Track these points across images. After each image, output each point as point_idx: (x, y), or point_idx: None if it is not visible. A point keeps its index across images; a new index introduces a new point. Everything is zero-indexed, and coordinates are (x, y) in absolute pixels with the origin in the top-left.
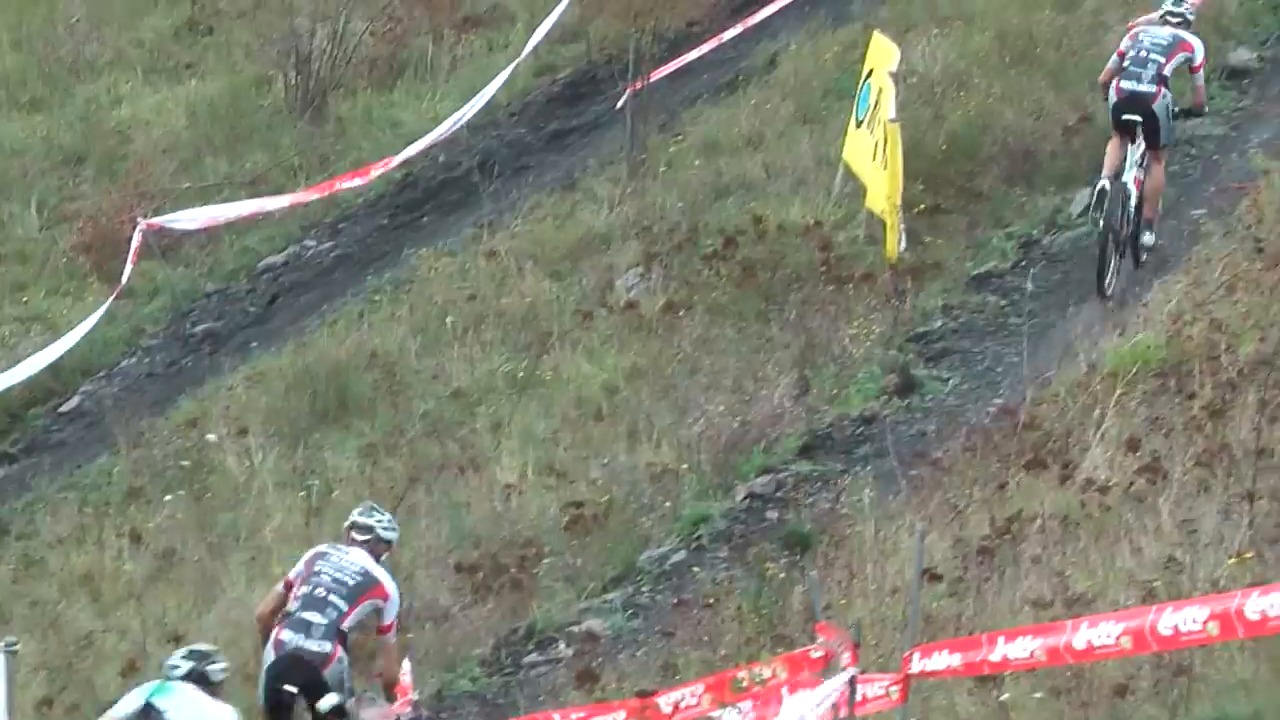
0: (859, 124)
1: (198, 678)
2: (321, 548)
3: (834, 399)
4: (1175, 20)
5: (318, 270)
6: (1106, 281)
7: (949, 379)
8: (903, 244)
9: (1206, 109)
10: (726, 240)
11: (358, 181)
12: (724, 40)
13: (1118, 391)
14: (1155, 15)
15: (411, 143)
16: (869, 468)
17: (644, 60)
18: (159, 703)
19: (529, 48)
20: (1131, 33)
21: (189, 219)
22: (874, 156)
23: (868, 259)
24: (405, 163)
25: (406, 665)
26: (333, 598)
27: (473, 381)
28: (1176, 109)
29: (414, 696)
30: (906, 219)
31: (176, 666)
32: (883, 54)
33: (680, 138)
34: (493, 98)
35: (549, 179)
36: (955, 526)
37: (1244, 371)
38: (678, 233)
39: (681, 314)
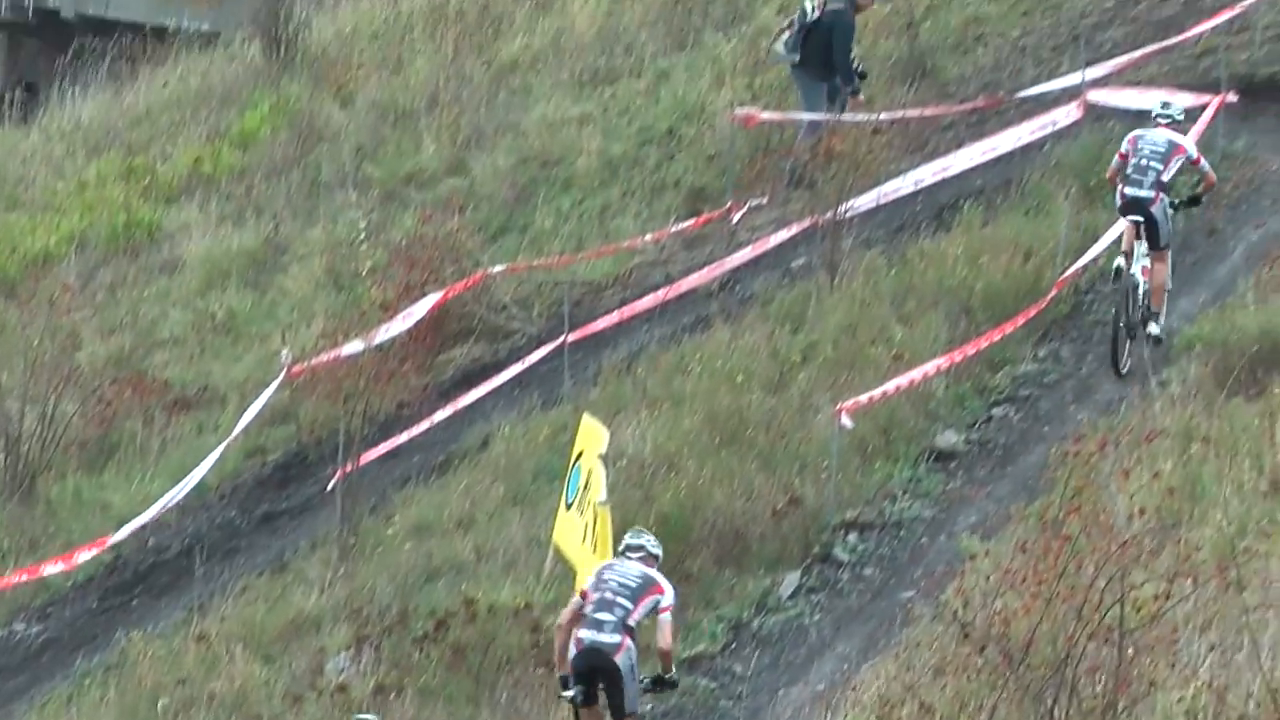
0: (569, 506)
1: None
2: (608, 561)
3: None
4: (1165, 121)
5: (25, 655)
6: (1121, 363)
7: None
8: None
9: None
10: (437, 623)
11: (63, 566)
12: (435, 422)
13: None
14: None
15: (122, 524)
16: None
17: (354, 442)
18: None
19: (237, 429)
20: (1131, 137)
21: None
22: (584, 539)
23: None
24: (114, 545)
25: None
26: (620, 599)
27: None
28: (1179, 202)
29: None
30: None
31: None
32: (592, 436)
33: (392, 519)
34: (203, 480)
35: (260, 561)
36: None
37: None
38: (388, 615)
39: (392, 697)
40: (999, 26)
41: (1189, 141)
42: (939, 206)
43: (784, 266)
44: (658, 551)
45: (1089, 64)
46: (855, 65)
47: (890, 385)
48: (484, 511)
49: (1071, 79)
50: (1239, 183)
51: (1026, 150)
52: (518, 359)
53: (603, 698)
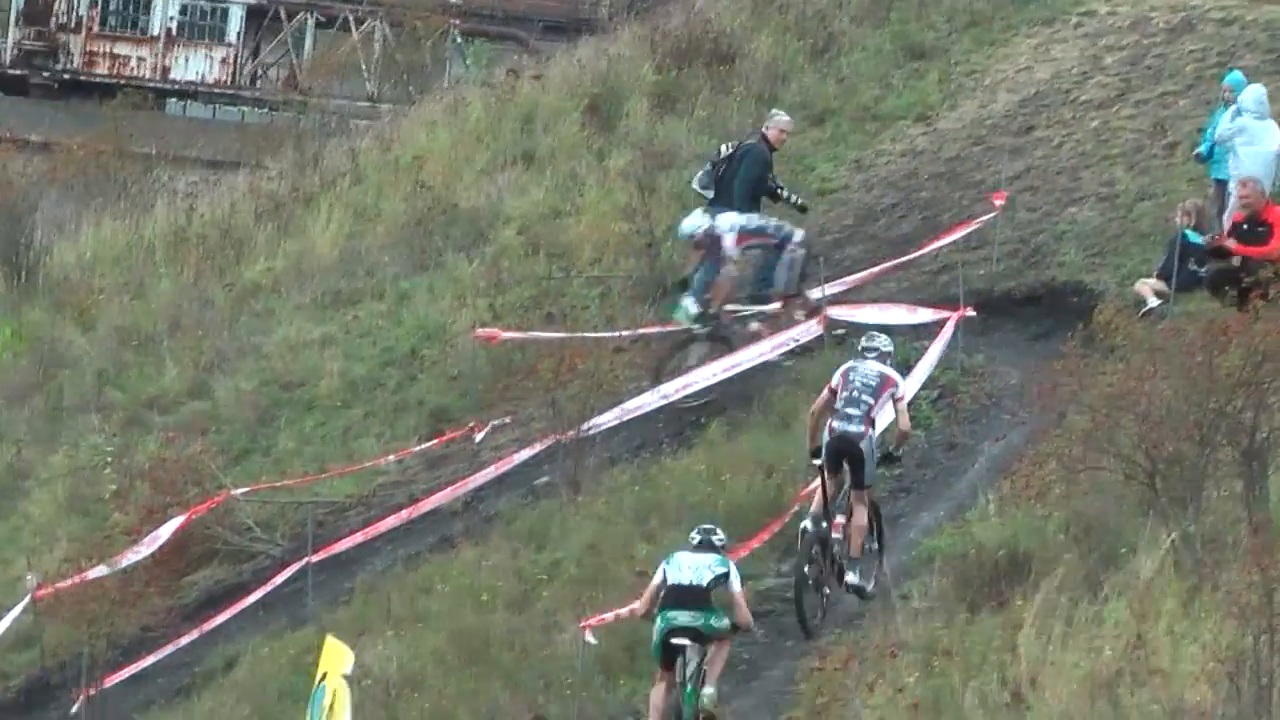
0: None
1: (707, 545)
2: (850, 364)
3: None
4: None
5: None
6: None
7: None
8: None
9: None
10: None
11: None
12: (180, 645)
13: None
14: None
15: None
16: None
17: (98, 666)
18: (670, 568)
19: None
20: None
21: None
22: None
23: None
24: None
25: None
26: (863, 396)
27: None
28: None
29: None
30: None
31: (692, 539)
32: (337, 657)
33: None
34: None
35: None
36: None
37: None
38: None
39: None
40: None
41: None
42: (682, 423)
43: (527, 485)
44: (890, 349)
45: (828, 280)
46: (792, 198)
47: (636, 605)
48: None
49: (812, 295)
50: (978, 396)
51: (768, 366)
52: (262, 581)
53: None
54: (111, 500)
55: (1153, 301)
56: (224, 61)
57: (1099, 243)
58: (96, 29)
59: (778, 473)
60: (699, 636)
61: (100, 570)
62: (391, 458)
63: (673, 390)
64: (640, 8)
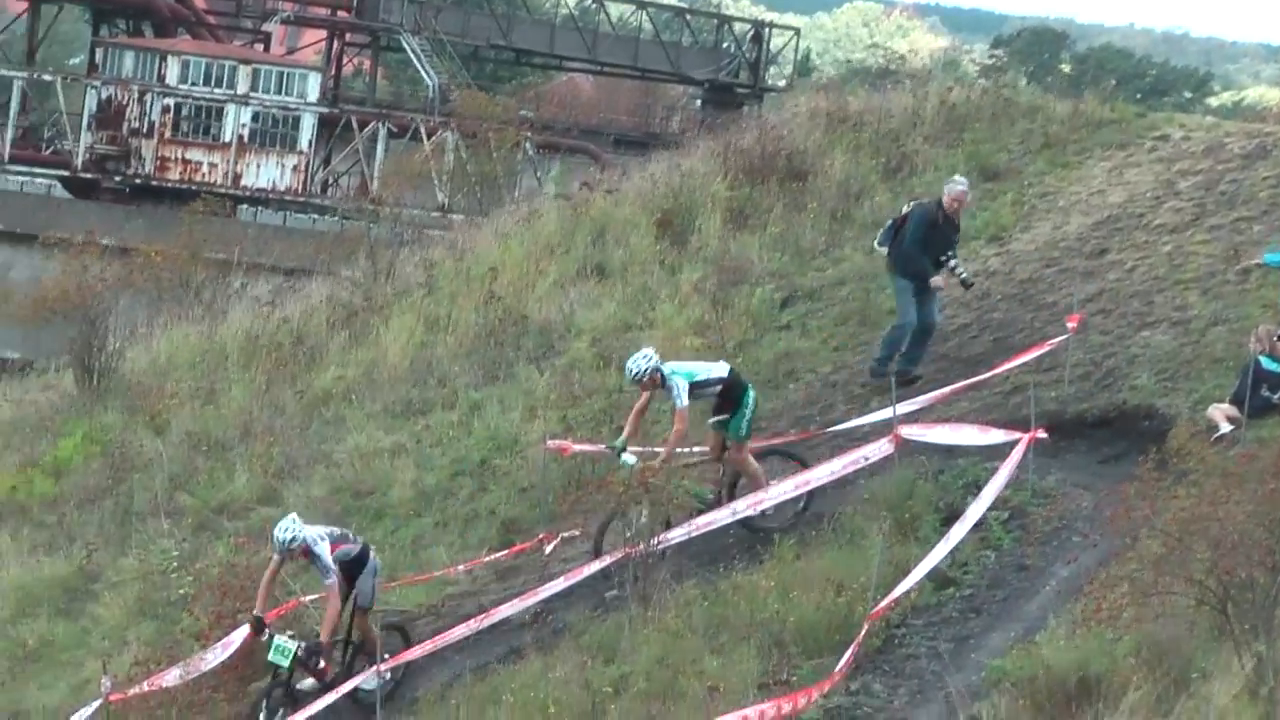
0: None
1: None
2: None
3: None
4: None
5: None
6: None
7: None
8: None
9: None
10: None
11: None
12: None
13: None
14: None
15: None
16: None
17: None
18: None
19: None
20: None
21: None
22: None
23: None
24: None
25: None
26: None
27: None
28: None
29: None
30: None
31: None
32: None
33: None
34: None
35: None
36: None
37: None
38: None
39: None
40: (811, 362)
41: None
42: (752, 539)
43: (597, 597)
44: None
45: (900, 400)
46: (959, 270)
47: None
48: None
49: (883, 414)
50: (1050, 518)
51: (839, 484)
52: (329, 688)
53: None
54: (183, 605)
55: (1225, 427)
56: (295, 169)
57: (1171, 367)
58: (169, 135)
59: (847, 591)
60: None
61: (174, 674)
62: (461, 568)
63: (744, 506)
64: (713, 123)
